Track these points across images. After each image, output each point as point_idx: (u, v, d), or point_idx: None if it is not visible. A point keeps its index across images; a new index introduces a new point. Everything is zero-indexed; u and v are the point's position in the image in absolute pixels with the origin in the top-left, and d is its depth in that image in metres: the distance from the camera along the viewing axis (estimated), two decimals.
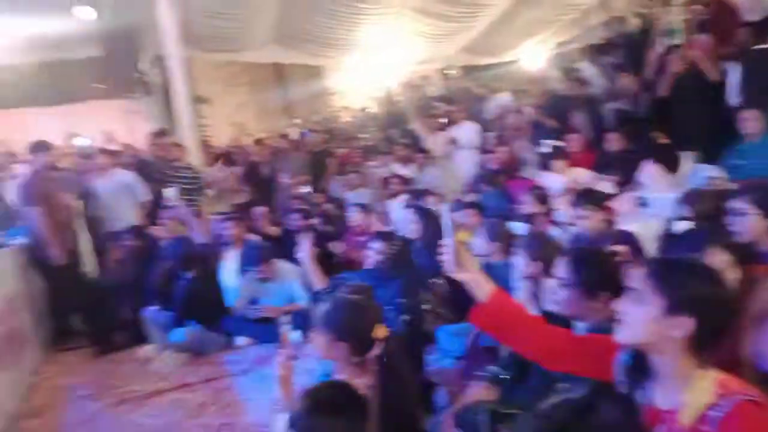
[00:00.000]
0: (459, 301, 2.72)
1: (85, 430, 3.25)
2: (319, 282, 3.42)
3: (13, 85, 7.89)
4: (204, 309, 4.20)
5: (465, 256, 1.56)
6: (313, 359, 2.35)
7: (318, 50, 9.74)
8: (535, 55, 10.32)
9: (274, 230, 5.23)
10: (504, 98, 7.26)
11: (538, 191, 3.85)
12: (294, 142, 7.60)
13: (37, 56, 7.93)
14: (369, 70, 10.24)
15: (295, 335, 3.89)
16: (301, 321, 3.94)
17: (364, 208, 4.95)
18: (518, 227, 3.47)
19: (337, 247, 4.86)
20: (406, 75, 9.91)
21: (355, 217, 4.88)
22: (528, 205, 3.75)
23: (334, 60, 10.35)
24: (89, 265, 4.99)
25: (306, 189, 6.25)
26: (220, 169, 6.54)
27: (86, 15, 6.88)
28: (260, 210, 5.42)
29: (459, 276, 1.55)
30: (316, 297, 3.91)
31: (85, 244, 5.01)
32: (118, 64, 7.90)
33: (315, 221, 5.19)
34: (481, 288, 1.53)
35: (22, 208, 4.63)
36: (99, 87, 8.09)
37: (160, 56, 7.29)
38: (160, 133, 6.18)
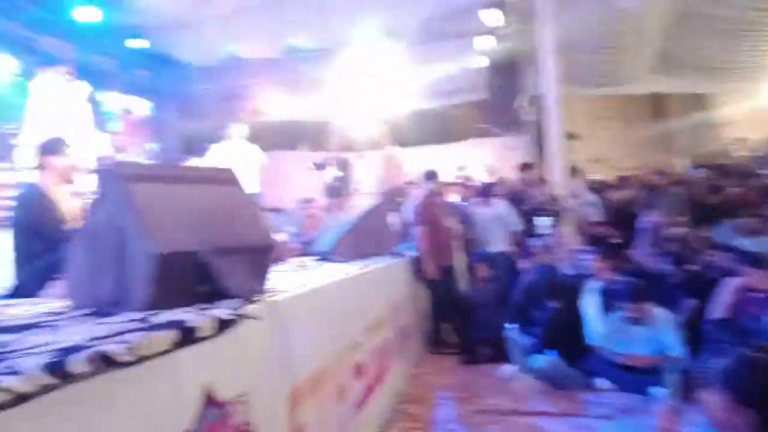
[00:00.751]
0: None
1: (448, 429, 3.52)
2: None
3: (416, 127, 9.61)
4: (565, 342, 4.16)
5: None
6: (697, 422, 2.03)
7: (706, 77, 8.68)
8: None
9: (652, 267, 4.80)
10: None
11: None
12: (672, 177, 6.90)
13: (434, 102, 9.50)
14: None
15: (670, 390, 3.48)
16: (676, 375, 3.52)
17: (762, 259, 4.06)
18: None
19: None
20: None
21: (745, 268, 4.05)
22: None
23: (726, 87, 9.05)
24: (462, 281, 5.57)
25: (683, 230, 5.55)
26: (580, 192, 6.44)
27: (479, 63, 7.88)
28: (637, 247, 5.07)
29: None
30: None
31: (460, 262, 5.62)
32: (497, 106, 8.79)
33: (692, 267, 4.55)
34: None
35: (412, 226, 5.54)
36: (481, 127, 9.15)
37: (536, 96, 7.73)
38: (529, 167, 6.53)
